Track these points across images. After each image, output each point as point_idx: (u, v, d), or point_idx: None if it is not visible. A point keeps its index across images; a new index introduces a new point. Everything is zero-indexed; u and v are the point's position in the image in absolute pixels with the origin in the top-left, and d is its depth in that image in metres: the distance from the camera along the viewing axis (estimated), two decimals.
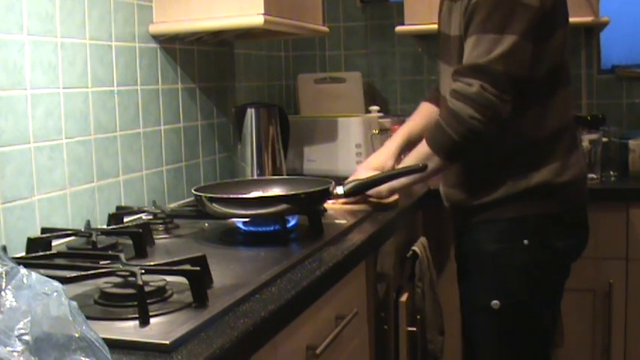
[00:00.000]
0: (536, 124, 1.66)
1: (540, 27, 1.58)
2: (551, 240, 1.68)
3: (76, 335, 0.74)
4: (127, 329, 0.97)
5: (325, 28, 2.31)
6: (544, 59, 1.62)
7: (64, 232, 1.43)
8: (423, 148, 1.69)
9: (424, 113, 1.99)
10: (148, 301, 1.02)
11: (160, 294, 1.09)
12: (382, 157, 1.93)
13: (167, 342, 0.91)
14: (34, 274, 0.78)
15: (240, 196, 1.63)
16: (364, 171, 1.86)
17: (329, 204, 1.76)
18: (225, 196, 1.57)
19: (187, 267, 1.13)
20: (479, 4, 1.58)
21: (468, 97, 1.57)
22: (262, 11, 1.80)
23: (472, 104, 1.56)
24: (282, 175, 2.15)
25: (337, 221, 1.64)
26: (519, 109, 1.63)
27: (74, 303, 0.77)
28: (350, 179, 1.83)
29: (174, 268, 1.13)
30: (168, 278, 1.13)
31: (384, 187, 1.79)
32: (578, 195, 1.73)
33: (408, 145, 1.93)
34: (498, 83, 1.56)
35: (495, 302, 1.68)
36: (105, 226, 1.60)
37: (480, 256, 1.74)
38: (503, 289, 1.69)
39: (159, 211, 1.69)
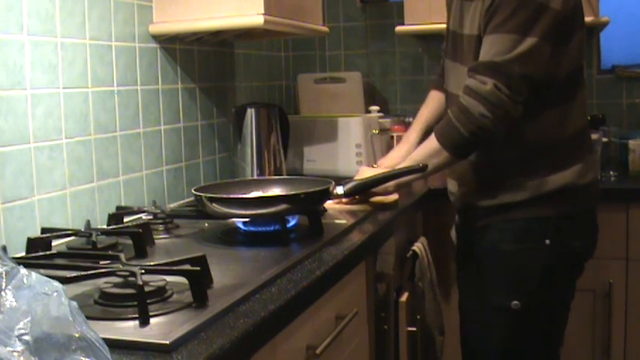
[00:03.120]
0: (558, 125, 1.66)
1: (561, 30, 1.59)
2: (570, 240, 1.68)
3: (76, 335, 0.74)
4: (127, 329, 0.97)
5: (325, 28, 2.31)
6: (565, 62, 1.62)
7: (64, 232, 1.43)
8: (432, 143, 1.70)
9: (436, 101, 1.98)
10: (147, 301, 1.02)
11: (160, 294, 1.09)
12: (404, 151, 1.92)
13: (167, 342, 0.91)
14: (34, 274, 0.78)
15: (240, 196, 1.63)
16: (367, 170, 1.87)
17: (329, 204, 1.76)
18: (225, 196, 1.57)
19: (187, 267, 1.13)
20: (502, 3, 1.58)
21: (481, 95, 1.57)
22: (262, 11, 1.80)
23: (484, 102, 1.57)
24: (282, 175, 2.15)
25: (337, 221, 1.64)
26: (541, 110, 1.63)
27: (74, 303, 0.77)
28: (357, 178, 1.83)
29: (174, 268, 1.13)
30: (168, 278, 1.13)
31: (391, 182, 1.79)
32: (595, 195, 1.74)
33: (428, 135, 1.95)
34: (512, 83, 1.56)
35: (516, 303, 1.67)
36: (105, 226, 1.60)
37: (497, 256, 1.72)
38: (524, 289, 1.68)
39: (159, 211, 1.69)
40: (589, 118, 2.50)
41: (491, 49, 1.59)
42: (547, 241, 1.66)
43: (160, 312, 1.03)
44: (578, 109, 1.69)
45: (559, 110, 1.66)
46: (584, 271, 1.77)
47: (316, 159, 2.46)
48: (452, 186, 1.86)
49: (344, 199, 1.82)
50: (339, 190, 1.78)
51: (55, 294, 0.76)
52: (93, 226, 1.60)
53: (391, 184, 1.79)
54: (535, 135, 1.66)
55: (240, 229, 1.59)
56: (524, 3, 1.56)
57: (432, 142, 1.69)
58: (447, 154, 1.66)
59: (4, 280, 0.76)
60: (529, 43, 1.55)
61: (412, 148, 1.90)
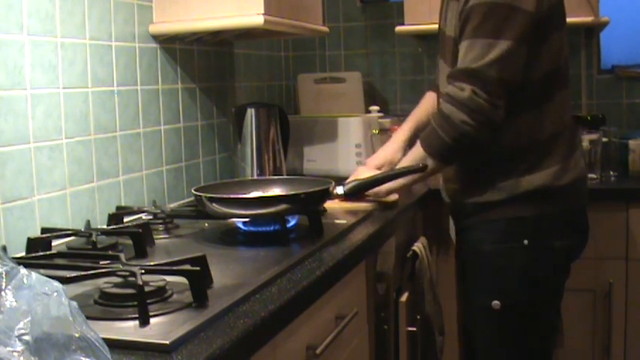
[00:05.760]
0: (534, 126, 1.66)
1: (535, 31, 1.59)
2: (551, 240, 1.68)
3: (76, 335, 0.74)
4: (127, 329, 0.97)
5: (325, 28, 2.31)
6: (540, 62, 1.63)
7: (64, 232, 1.43)
8: (418, 150, 1.72)
9: (429, 103, 2.00)
10: (147, 301, 1.02)
11: (160, 294, 1.09)
12: (391, 150, 1.96)
13: (167, 342, 0.91)
14: (34, 274, 0.78)
15: (240, 196, 1.63)
16: (367, 168, 1.87)
17: (329, 204, 1.76)
18: (225, 196, 1.57)
19: (187, 267, 1.13)
20: (474, 8, 1.59)
21: (460, 102, 1.58)
22: (262, 11, 1.80)
23: (464, 109, 1.58)
24: (282, 175, 2.15)
25: (337, 221, 1.64)
26: (517, 111, 1.63)
27: (74, 303, 0.77)
28: (351, 178, 1.84)
29: (174, 268, 1.13)
30: (168, 278, 1.13)
31: (382, 188, 1.79)
32: (577, 196, 1.73)
33: (415, 136, 1.96)
34: (490, 88, 1.57)
35: (496, 302, 1.68)
36: (105, 226, 1.60)
37: (479, 256, 1.74)
38: (503, 289, 1.70)
39: (159, 211, 1.69)
40: (588, 117, 2.51)
41: (466, 55, 1.60)
42: (525, 242, 1.66)
43: (160, 312, 1.03)
44: (556, 109, 1.68)
45: (536, 111, 1.66)
46: (570, 271, 1.78)
47: (316, 159, 2.46)
48: (441, 184, 1.88)
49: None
50: (339, 190, 1.78)
51: (55, 294, 0.76)
52: (93, 226, 1.60)
53: (383, 189, 1.79)
54: (512, 136, 1.66)
55: (240, 229, 1.59)
56: (495, 6, 1.57)
57: (418, 149, 1.71)
58: (432, 161, 1.68)
59: (4, 280, 0.76)
60: (503, 47, 1.56)
61: (400, 147, 1.94)
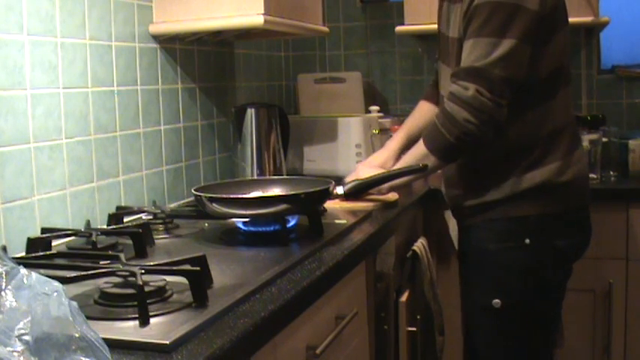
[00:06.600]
0: (537, 123, 1.66)
1: (540, 31, 1.59)
2: (553, 239, 1.69)
3: (76, 335, 0.74)
4: (127, 329, 0.97)
5: (325, 28, 2.31)
6: (545, 62, 1.63)
7: (64, 232, 1.43)
8: (420, 148, 1.72)
9: (422, 112, 2.00)
10: (147, 301, 1.02)
11: (160, 294, 1.09)
12: (383, 157, 1.95)
13: (167, 342, 0.91)
14: (34, 274, 0.78)
15: (240, 196, 1.63)
16: (365, 170, 1.87)
17: (329, 204, 1.76)
18: (225, 196, 1.57)
19: (187, 267, 1.13)
20: (479, 7, 1.59)
21: (464, 101, 1.58)
22: (262, 11, 1.80)
23: (467, 108, 1.58)
24: (282, 175, 2.15)
25: (337, 221, 1.64)
26: (521, 109, 1.63)
27: (74, 303, 0.77)
28: (351, 177, 1.84)
29: (174, 268, 1.13)
30: (168, 278, 1.13)
31: (385, 184, 1.80)
32: (580, 194, 1.74)
33: (408, 145, 1.94)
34: (494, 87, 1.57)
35: (497, 301, 1.68)
36: (105, 226, 1.60)
37: (481, 255, 1.74)
38: (504, 288, 1.70)
39: (159, 211, 1.69)
40: (588, 117, 2.52)
41: (470, 54, 1.60)
42: (527, 241, 1.67)
43: (160, 312, 1.03)
44: (559, 107, 1.69)
45: (540, 109, 1.67)
46: (572, 271, 1.77)
47: (316, 159, 2.46)
48: (443, 186, 1.88)
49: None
50: (339, 190, 1.79)
51: (55, 294, 0.76)
52: (93, 226, 1.60)
53: (385, 185, 1.80)
54: (516, 134, 1.67)
55: (240, 229, 1.59)
56: (499, 6, 1.57)
57: (420, 147, 1.71)
58: (434, 158, 1.68)
59: (4, 280, 0.76)
60: (508, 45, 1.56)
61: (392, 155, 1.93)
